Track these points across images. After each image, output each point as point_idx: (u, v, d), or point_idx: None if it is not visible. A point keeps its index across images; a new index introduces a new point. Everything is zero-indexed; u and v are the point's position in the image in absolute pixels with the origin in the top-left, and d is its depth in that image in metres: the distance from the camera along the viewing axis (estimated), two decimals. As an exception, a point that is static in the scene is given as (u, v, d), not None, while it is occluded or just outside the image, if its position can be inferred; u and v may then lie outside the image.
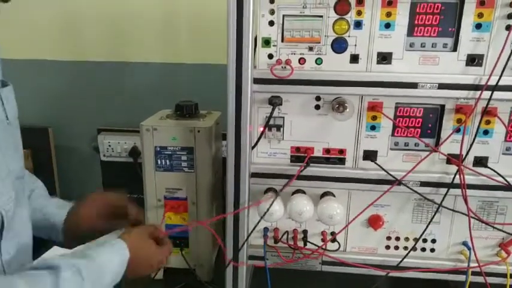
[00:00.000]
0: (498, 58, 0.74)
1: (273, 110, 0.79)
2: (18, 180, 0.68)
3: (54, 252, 1.09)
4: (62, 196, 1.66)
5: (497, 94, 0.76)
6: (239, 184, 0.82)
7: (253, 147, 0.85)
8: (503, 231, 0.83)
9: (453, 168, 0.82)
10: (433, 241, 0.89)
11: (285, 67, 0.81)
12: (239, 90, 0.76)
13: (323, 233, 0.91)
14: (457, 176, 0.80)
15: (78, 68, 1.48)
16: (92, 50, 1.47)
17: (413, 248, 0.89)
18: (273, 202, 0.81)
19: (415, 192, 0.81)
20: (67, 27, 1.46)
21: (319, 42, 0.79)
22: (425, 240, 0.89)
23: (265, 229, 0.92)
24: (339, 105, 0.80)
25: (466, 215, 0.80)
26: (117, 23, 1.42)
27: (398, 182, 0.81)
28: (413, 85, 0.77)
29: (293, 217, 0.82)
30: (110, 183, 1.45)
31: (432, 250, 0.90)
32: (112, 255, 0.70)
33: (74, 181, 1.52)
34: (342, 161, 0.86)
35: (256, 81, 0.80)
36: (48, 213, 0.83)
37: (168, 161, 0.93)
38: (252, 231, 0.86)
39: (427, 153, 0.82)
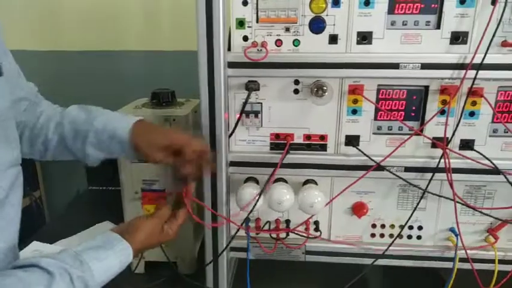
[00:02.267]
0: (483, 35, 0.70)
1: (249, 95, 0.75)
2: (11, 169, 0.65)
3: (33, 248, 1.06)
4: (45, 189, 1.64)
5: (483, 73, 0.73)
6: (215, 174, 0.79)
7: (230, 135, 0.81)
8: (490, 216, 0.81)
9: (438, 152, 0.79)
10: (420, 228, 0.87)
11: (261, 50, 0.77)
12: (211, 75, 0.73)
13: (306, 222, 0.88)
14: (443, 160, 0.77)
15: (58, 58, 1.44)
16: (71, 40, 1.43)
17: (399, 236, 0.86)
18: (257, 201, 0.77)
19: (399, 177, 0.78)
20: (46, 16, 1.41)
21: (296, 23, 0.75)
22: (411, 227, 0.87)
23: (247, 219, 0.90)
24: (317, 89, 0.76)
25: (452, 200, 0.77)
26: (97, 12, 1.38)
27: (379, 167, 0.78)
28: (395, 66, 0.73)
29: (273, 207, 0.79)
30: (94, 175, 1.42)
31: (419, 237, 0.87)
32: (114, 261, 0.63)
33: (56, 173, 1.49)
34: (323, 147, 0.83)
35: (231, 65, 0.76)
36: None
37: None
38: (231, 239, 0.84)
39: (412, 136, 0.79)
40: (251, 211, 0.79)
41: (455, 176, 0.78)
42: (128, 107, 0.96)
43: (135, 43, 1.37)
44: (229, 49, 0.77)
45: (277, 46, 0.77)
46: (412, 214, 0.81)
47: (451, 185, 0.76)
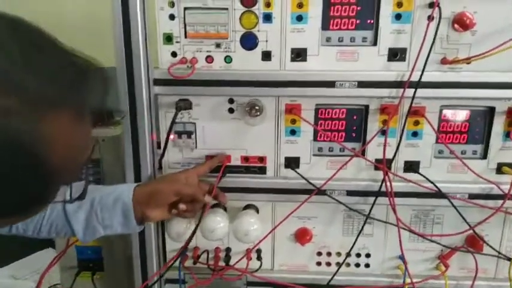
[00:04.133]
0: (419, 51, 0.67)
1: (176, 114, 0.70)
2: None
3: None
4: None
5: (422, 92, 0.69)
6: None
7: (160, 158, 0.76)
8: (438, 243, 0.76)
9: (382, 174, 0.74)
10: (367, 255, 0.81)
11: (190, 66, 0.72)
12: (132, 93, 0.68)
13: (247, 251, 0.82)
14: (384, 184, 0.72)
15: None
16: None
17: (346, 264, 0.81)
18: (193, 234, 0.71)
19: (339, 202, 0.73)
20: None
21: (227, 38, 0.71)
22: (358, 255, 0.81)
23: (182, 251, 0.83)
24: (251, 108, 0.71)
25: (395, 225, 0.72)
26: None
27: (319, 191, 0.72)
28: (331, 84, 0.69)
29: (205, 235, 0.73)
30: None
31: (367, 265, 0.81)
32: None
33: None
34: (262, 170, 0.77)
35: (158, 82, 0.71)
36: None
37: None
38: (165, 272, 0.77)
39: (353, 159, 0.74)
40: (187, 244, 0.73)
41: (400, 200, 0.73)
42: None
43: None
44: (157, 66, 0.73)
45: (208, 63, 0.72)
46: (355, 241, 0.75)
47: (393, 209, 0.71)
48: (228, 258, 0.81)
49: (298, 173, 0.74)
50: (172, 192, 0.67)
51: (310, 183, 0.72)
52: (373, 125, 0.73)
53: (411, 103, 0.69)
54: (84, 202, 0.64)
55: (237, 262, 0.79)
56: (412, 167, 0.74)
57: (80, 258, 0.89)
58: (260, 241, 0.77)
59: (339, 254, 0.81)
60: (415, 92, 0.68)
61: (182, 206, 0.68)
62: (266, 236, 0.76)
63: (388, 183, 0.71)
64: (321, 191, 0.73)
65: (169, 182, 0.69)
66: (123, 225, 0.66)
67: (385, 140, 0.70)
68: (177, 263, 0.80)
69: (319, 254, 0.82)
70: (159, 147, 0.76)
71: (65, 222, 0.63)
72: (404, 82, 0.68)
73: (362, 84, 0.69)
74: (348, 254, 0.79)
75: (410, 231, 0.74)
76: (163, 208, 0.68)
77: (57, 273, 0.93)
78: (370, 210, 0.73)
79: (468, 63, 0.69)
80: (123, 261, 0.87)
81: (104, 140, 0.81)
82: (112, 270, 0.89)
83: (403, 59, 0.70)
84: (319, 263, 0.82)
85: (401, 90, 0.69)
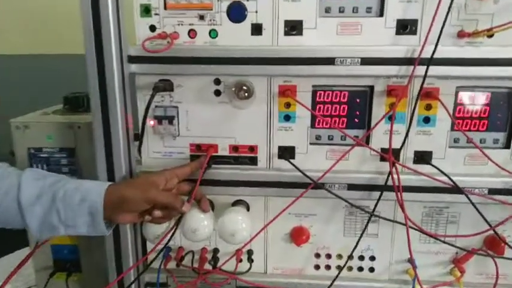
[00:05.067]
0: (431, 23, 0.58)
1: (153, 96, 0.61)
2: None
3: None
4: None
5: (436, 69, 0.60)
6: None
7: (139, 147, 0.67)
8: (452, 245, 0.66)
9: (388, 166, 0.65)
10: (372, 258, 0.72)
11: (170, 42, 0.64)
12: (102, 72, 0.59)
13: (237, 252, 0.73)
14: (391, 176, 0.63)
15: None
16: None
17: (348, 267, 0.72)
18: (173, 232, 0.63)
19: (338, 197, 0.64)
20: None
21: (212, 9, 0.62)
22: (362, 258, 0.72)
23: (167, 249, 0.74)
24: (239, 89, 0.63)
25: (404, 224, 0.63)
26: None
27: (316, 185, 0.63)
28: (330, 61, 0.60)
29: (187, 236, 0.64)
30: None
31: (371, 269, 0.72)
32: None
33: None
34: (253, 161, 0.69)
35: (134, 60, 0.63)
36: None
37: (45, 165, 0.75)
38: (138, 276, 0.69)
39: (356, 148, 0.65)
40: (165, 246, 0.65)
41: (410, 196, 0.64)
42: (35, 113, 0.82)
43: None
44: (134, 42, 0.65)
45: (191, 38, 0.64)
46: (358, 242, 0.66)
47: (401, 206, 0.62)
48: (215, 260, 0.73)
49: (293, 164, 0.65)
50: (145, 200, 0.58)
51: (307, 176, 0.63)
52: (379, 109, 0.64)
53: (422, 83, 0.60)
54: (44, 194, 0.56)
55: (224, 263, 0.70)
56: (423, 157, 0.65)
57: (56, 258, 0.81)
58: (249, 241, 0.68)
59: (339, 256, 0.72)
60: (427, 70, 0.59)
61: (157, 213, 0.60)
62: (256, 235, 0.67)
63: (395, 176, 0.62)
64: (318, 185, 0.64)
65: (143, 187, 0.59)
66: (89, 226, 0.57)
67: (391, 126, 0.61)
68: (156, 265, 0.72)
69: (318, 256, 0.73)
70: (136, 138, 0.67)
71: (17, 212, 0.55)
72: (415, 59, 0.59)
73: (366, 61, 0.60)
74: (350, 257, 0.69)
75: (421, 231, 0.64)
76: (133, 214, 0.60)
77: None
78: (375, 207, 0.64)
79: (489, 36, 0.60)
80: (102, 262, 0.79)
81: (80, 126, 0.73)
82: (89, 271, 0.81)
83: (413, 32, 0.61)
84: (317, 266, 0.73)
85: (411, 67, 0.60)
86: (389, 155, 0.61)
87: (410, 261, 0.69)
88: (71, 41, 1.28)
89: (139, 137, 0.66)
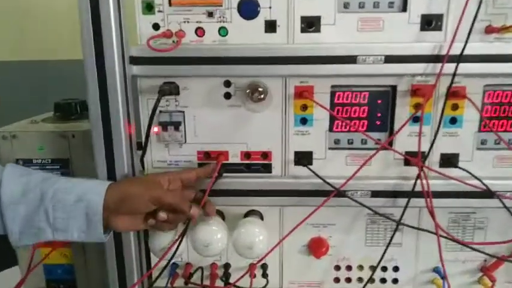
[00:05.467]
0: (460, 18, 0.54)
1: (158, 100, 0.56)
2: None
3: None
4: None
5: (463, 67, 0.56)
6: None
7: (142, 156, 0.62)
8: (482, 252, 0.62)
9: (414, 171, 0.61)
10: (395, 269, 0.67)
11: (176, 41, 0.59)
12: (102, 75, 0.53)
13: (251, 267, 0.68)
14: (419, 182, 0.59)
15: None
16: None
17: (370, 280, 0.67)
18: (179, 242, 0.58)
19: (363, 205, 0.60)
20: None
21: (221, 5, 0.57)
22: (385, 269, 0.67)
23: (173, 265, 0.69)
24: (253, 91, 0.58)
25: (433, 233, 0.59)
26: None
27: (338, 193, 0.59)
28: (352, 59, 0.56)
29: (198, 251, 0.59)
30: None
31: (395, 281, 0.68)
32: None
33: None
34: (267, 168, 0.64)
35: (136, 61, 0.57)
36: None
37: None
38: None
39: (379, 152, 0.61)
40: (170, 260, 0.60)
41: (436, 202, 0.60)
42: (24, 121, 0.75)
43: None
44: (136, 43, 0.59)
45: (199, 36, 0.59)
46: (384, 252, 0.62)
47: (431, 213, 0.58)
48: (227, 276, 0.67)
49: (312, 171, 0.60)
50: (149, 199, 0.52)
51: (328, 183, 0.58)
52: (402, 110, 0.60)
53: (451, 82, 0.56)
54: (30, 192, 0.49)
55: (238, 280, 0.65)
56: (450, 160, 0.61)
57: (49, 278, 0.75)
58: (266, 254, 0.63)
59: (360, 267, 0.68)
60: (456, 68, 0.55)
61: (162, 215, 0.54)
62: (275, 247, 0.62)
63: (424, 181, 0.58)
64: (341, 193, 0.60)
65: (148, 185, 0.54)
66: (82, 232, 0.50)
67: (420, 128, 0.57)
68: (163, 283, 0.66)
69: (338, 268, 0.68)
70: (139, 147, 0.62)
71: None
72: (443, 56, 0.55)
73: (390, 59, 0.56)
74: (375, 269, 0.65)
75: (453, 239, 0.60)
76: (135, 217, 0.54)
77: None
78: (402, 215, 0.59)
79: (520, 31, 0.57)
80: (100, 282, 0.73)
81: (74, 135, 0.67)
82: (88, 292, 0.75)
83: (438, 28, 0.57)
84: (337, 280, 0.69)
85: (438, 65, 0.56)
86: (418, 158, 0.56)
87: (438, 270, 0.65)
88: (57, 47, 1.22)
89: (142, 146, 0.60)
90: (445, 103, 0.57)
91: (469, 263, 0.66)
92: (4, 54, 1.26)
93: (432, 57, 0.56)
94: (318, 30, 0.58)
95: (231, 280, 0.67)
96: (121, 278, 0.62)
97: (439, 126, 0.58)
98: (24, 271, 0.73)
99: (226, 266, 0.68)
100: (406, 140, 0.61)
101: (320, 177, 0.59)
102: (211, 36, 0.59)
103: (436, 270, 0.66)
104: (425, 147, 0.60)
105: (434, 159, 0.62)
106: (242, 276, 0.65)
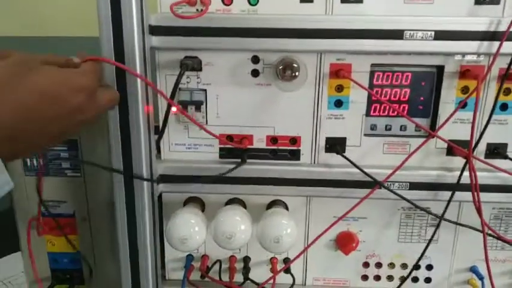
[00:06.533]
0: (526, -13, 0.48)
1: (180, 76, 0.49)
2: None
3: None
4: None
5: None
6: (133, 196, 0.53)
7: (159, 138, 0.56)
8: (530, 253, 0.58)
9: (457, 161, 0.55)
10: (429, 267, 0.62)
11: (201, 10, 0.52)
12: (119, 48, 0.47)
13: (272, 261, 0.63)
14: (465, 173, 0.54)
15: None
16: None
17: (399, 278, 0.62)
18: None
19: (404, 199, 0.54)
20: None
21: (252, -30, 0.52)
22: (418, 267, 0.62)
23: (189, 257, 0.64)
24: (285, 68, 0.51)
25: (479, 231, 0.54)
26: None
27: (379, 185, 0.54)
28: (398, 34, 0.50)
29: (220, 243, 0.53)
30: None
31: (428, 280, 0.63)
32: None
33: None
34: (295, 155, 0.58)
35: (156, 30, 0.51)
36: None
37: (41, 160, 0.63)
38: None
39: (419, 139, 0.55)
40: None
41: (481, 196, 0.55)
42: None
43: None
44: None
45: (226, 5, 0.53)
46: (424, 251, 0.56)
47: (478, 209, 0.53)
48: (246, 270, 0.62)
49: (348, 160, 0.54)
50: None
51: (367, 174, 0.53)
52: (449, 93, 0.54)
53: (510, 63, 0.50)
54: None
55: (266, 282, 0.59)
56: (497, 151, 0.56)
57: (54, 268, 0.70)
58: (301, 252, 0.57)
59: (391, 265, 0.63)
60: (515, 46, 0.49)
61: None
62: (312, 244, 0.57)
63: (472, 173, 0.52)
64: (381, 185, 0.54)
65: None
66: None
67: (475, 114, 0.50)
68: (179, 276, 0.61)
69: (366, 265, 0.63)
70: (156, 131, 0.56)
71: None
72: (501, 33, 0.49)
73: (440, 36, 0.50)
74: (412, 269, 0.60)
75: (500, 238, 0.55)
76: None
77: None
78: (445, 209, 0.54)
79: None
80: (109, 273, 0.68)
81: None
82: (95, 284, 0.70)
83: (496, 2, 0.51)
84: (365, 277, 0.64)
85: (495, 44, 0.50)
86: (470, 149, 0.51)
87: (476, 270, 0.60)
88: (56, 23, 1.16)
89: (161, 127, 0.54)
90: (500, 87, 0.52)
91: (510, 263, 0.62)
92: (16, 29, 1.20)
93: (490, 34, 0.50)
94: (360, 1, 0.51)
95: (251, 275, 0.62)
96: (134, 269, 0.57)
97: (492, 112, 0.52)
98: (26, 257, 0.68)
99: (246, 259, 0.63)
100: (450, 127, 0.55)
101: (359, 168, 0.53)
102: (239, 5, 0.52)
103: (473, 269, 0.61)
104: (467, 136, 0.54)
105: (480, 149, 0.57)
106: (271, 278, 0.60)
